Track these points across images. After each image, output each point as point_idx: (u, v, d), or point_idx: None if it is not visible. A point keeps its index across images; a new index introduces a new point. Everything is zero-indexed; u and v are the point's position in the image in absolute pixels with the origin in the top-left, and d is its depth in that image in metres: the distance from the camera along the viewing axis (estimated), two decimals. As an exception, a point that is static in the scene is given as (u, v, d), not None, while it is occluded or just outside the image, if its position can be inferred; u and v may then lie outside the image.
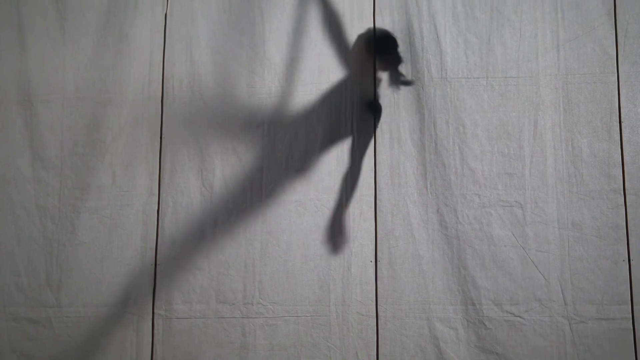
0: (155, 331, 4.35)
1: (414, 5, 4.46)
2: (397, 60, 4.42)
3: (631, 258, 4.14)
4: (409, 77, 4.40)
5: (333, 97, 4.45)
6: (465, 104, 4.36)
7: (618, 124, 4.26)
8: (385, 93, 4.41)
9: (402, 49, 4.43)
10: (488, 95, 4.37)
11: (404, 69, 4.42)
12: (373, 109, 4.41)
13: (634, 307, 4.10)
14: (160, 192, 4.45)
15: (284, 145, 4.43)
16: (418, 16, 4.45)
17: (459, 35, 4.42)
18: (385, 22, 4.46)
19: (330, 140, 4.42)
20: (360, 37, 4.47)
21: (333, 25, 4.50)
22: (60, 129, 4.55)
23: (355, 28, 4.49)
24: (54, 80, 4.59)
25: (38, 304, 4.43)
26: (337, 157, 4.41)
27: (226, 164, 4.44)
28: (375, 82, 4.42)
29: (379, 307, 4.27)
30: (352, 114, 4.42)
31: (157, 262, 4.39)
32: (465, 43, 4.41)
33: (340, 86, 4.46)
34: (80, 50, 4.60)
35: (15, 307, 4.44)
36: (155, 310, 4.36)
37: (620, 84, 4.28)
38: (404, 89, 4.40)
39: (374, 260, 4.30)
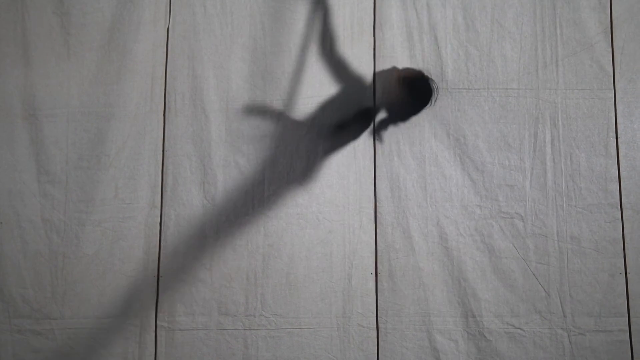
0: (157, 343, 4.38)
1: (415, 18, 4.50)
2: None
3: (628, 271, 4.19)
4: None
5: (334, 110, 4.49)
6: (466, 115, 4.40)
7: (615, 140, 4.30)
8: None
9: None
10: (489, 107, 4.41)
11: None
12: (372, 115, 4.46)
13: (631, 319, 4.15)
14: (163, 205, 4.50)
15: (285, 159, 4.47)
16: (419, 28, 4.49)
17: (459, 47, 4.46)
18: (385, 37, 4.51)
19: (332, 153, 4.46)
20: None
21: (328, 41, 4.54)
22: (66, 143, 4.57)
23: (355, 42, 4.54)
24: (59, 95, 4.61)
25: (43, 316, 4.45)
26: (338, 171, 4.45)
27: (228, 177, 4.47)
28: (375, 92, 4.46)
29: (379, 319, 4.31)
30: (353, 124, 4.46)
31: (160, 274, 4.43)
32: (466, 54, 4.45)
33: (341, 100, 4.50)
34: (84, 65, 4.62)
35: (20, 319, 4.46)
36: (158, 322, 4.39)
37: (616, 100, 4.34)
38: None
39: (374, 273, 4.34)
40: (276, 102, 4.51)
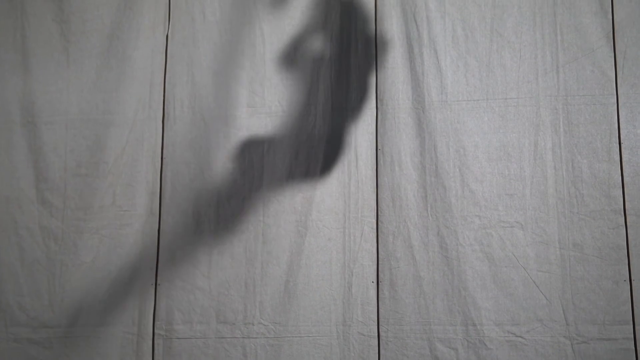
0: (155, 352, 4.34)
1: (415, 30, 4.49)
2: None
3: (632, 278, 4.12)
4: None
5: (334, 117, 4.48)
6: (465, 127, 4.38)
7: (618, 145, 4.26)
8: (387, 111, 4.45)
9: None
10: (488, 117, 4.38)
11: None
12: None
13: (636, 327, 4.08)
14: (161, 212, 4.47)
15: (284, 165, 4.45)
16: (418, 40, 4.48)
17: (459, 59, 4.45)
18: (386, 48, 4.50)
19: (332, 161, 4.44)
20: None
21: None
22: (64, 151, 4.58)
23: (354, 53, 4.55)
24: (58, 102, 4.63)
25: (40, 325, 4.43)
26: (338, 178, 4.43)
27: (227, 184, 4.46)
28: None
29: (380, 327, 4.26)
30: (354, 134, 4.44)
31: (158, 282, 4.40)
32: (465, 66, 4.44)
33: (340, 108, 4.49)
34: (83, 72, 4.64)
35: (17, 327, 4.45)
36: (156, 331, 4.36)
37: (619, 105, 4.30)
38: (405, 113, 4.43)
39: (375, 281, 4.30)
40: (275, 108, 4.51)
